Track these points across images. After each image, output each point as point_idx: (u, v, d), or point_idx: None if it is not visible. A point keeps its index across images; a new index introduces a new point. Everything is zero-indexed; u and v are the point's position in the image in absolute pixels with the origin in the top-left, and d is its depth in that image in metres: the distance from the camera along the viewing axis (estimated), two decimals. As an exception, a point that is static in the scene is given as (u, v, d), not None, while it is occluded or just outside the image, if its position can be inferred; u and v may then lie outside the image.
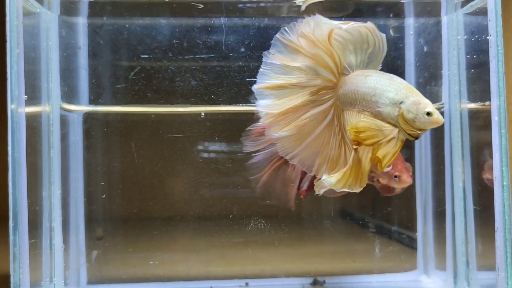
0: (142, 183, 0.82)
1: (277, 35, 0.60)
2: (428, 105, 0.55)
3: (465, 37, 0.74)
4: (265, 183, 0.71)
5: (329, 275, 0.82)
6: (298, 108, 0.61)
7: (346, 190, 0.59)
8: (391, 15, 0.81)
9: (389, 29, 0.82)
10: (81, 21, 0.79)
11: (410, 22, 0.82)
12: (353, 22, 0.58)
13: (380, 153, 0.56)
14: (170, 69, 0.80)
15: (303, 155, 0.63)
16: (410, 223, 0.85)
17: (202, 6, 0.77)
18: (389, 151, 0.57)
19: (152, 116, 0.81)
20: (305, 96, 0.60)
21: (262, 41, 0.79)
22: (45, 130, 0.71)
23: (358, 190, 0.59)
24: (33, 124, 0.67)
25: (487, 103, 0.66)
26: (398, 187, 0.72)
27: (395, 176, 0.71)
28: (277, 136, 0.62)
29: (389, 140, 0.57)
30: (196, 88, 0.80)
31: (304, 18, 0.59)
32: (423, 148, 0.83)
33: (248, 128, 0.68)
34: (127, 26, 0.79)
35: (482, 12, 0.67)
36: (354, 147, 0.58)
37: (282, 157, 0.67)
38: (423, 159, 0.82)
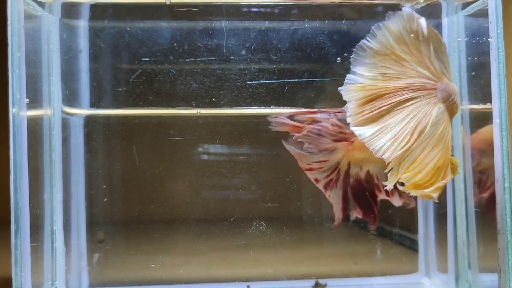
0: (144, 186, 0.82)
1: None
2: None
3: (466, 39, 0.74)
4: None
5: (331, 278, 0.82)
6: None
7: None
8: (391, 18, 0.81)
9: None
10: (82, 24, 0.79)
11: (411, 25, 0.82)
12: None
13: None
14: (171, 72, 0.80)
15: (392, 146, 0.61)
16: (411, 226, 0.85)
17: (198, 9, 0.77)
18: None
19: (153, 119, 0.82)
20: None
21: (263, 44, 0.79)
22: (46, 133, 0.71)
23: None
24: (35, 128, 0.67)
25: (488, 105, 0.66)
26: None
27: None
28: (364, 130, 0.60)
29: None
30: (197, 91, 0.80)
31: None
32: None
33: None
34: (128, 29, 0.79)
35: (483, 14, 0.67)
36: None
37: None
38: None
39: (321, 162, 0.72)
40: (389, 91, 0.58)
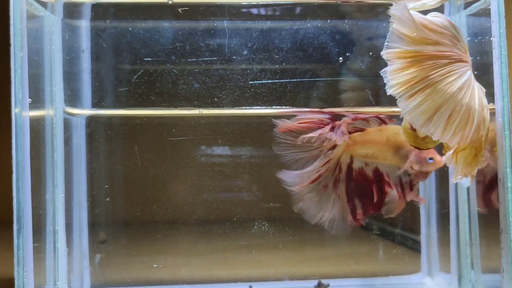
0: (146, 186, 0.82)
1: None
2: None
3: (468, 38, 0.74)
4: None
5: (333, 278, 0.82)
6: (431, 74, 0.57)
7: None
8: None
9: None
10: (84, 24, 0.79)
11: (413, 24, 0.81)
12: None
13: None
14: (173, 72, 0.80)
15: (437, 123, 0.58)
16: (413, 226, 0.85)
17: (188, 8, 0.77)
18: None
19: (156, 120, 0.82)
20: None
21: (265, 43, 0.79)
22: (48, 133, 0.71)
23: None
24: (37, 128, 0.67)
25: (490, 104, 0.66)
26: (434, 169, 0.73)
27: (430, 159, 0.72)
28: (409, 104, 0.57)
29: None
30: (199, 91, 0.80)
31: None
32: (426, 150, 0.83)
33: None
34: (130, 29, 0.79)
35: (485, 13, 0.66)
36: None
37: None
38: (427, 161, 0.82)
39: (326, 163, 0.72)
40: (428, 56, 0.56)
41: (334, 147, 0.73)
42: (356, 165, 0.73)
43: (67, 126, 0.76)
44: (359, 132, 0.72)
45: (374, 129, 0.71)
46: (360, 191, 0.74)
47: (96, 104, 0.80)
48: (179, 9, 0.76)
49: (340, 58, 0.79)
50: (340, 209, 0.74)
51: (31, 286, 0.62)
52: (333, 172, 0.73)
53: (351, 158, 0.73)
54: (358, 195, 0.74)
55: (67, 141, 0.76)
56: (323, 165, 0.73)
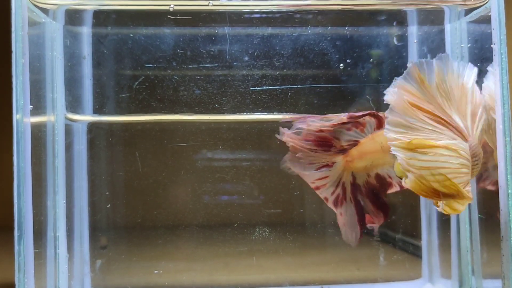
0: (146, 192, 0.82)
1: None
2: None
3: (469, 45, 0.74)
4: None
5: (334, 284, 0.82)
6: None
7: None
8: (394, 23, 0.81)
9: (393, 37, 0.82)
10: (86, 31, 0.79)
11: (413, 30, 0.82)
12: None
13: None
14: (174, 78, 0.80)
15: None
16: (414, 231, 0.85)
17: (191, 17, 0.78)
18: None
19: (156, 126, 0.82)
20: None
21: (266, 50, 0.79)
22: (49, 139, 0.71)
23: None
24: (38, 134, 0.68)
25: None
26: None
27: None
28: None
29: None
30: (200, 97, 0.80)
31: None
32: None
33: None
34: (131, 35, 0.79)
35: (486, 20, 0.67)
36: None
37: None
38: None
39: (323, 179, 0.72)
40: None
41: (332, 164, 0.72)
42: (361, 180, 0.73)
43: (68, 132, 0.76)
44: (355, 147, 0.71)
45: (366, 140, 0.71)
46: (375, 203, 0.74)
47: (97, 110, 0.80)
48: (169, 16, 0.77)
49: (341, 65, 0.80)
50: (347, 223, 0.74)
51: (32, 292, 0.62)
52: (334, 190, 0.73)
53: (353, 176, 0.72)
54: (374, 207, 0.74)
55: (68, 147, 0.76)
56: (319, 179, 0.72)
